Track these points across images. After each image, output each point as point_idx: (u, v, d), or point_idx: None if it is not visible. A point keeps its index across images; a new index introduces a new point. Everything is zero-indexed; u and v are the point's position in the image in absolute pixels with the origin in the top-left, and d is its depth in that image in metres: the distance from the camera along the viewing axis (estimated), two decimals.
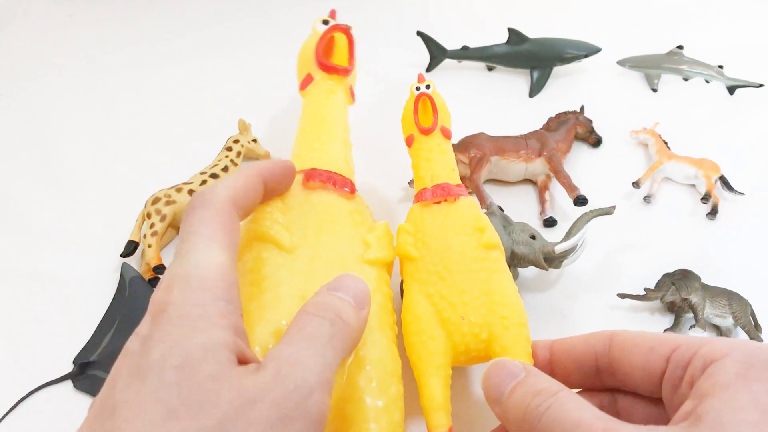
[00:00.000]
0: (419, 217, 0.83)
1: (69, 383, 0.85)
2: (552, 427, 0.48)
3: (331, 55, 0.95)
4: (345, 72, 0.93)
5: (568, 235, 0.90)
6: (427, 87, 0.92)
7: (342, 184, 0.80)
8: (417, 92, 0.92)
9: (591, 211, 0.91)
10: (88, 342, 0.90)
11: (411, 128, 0.91)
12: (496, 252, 0.77)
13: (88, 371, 0.85)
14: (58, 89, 1.40)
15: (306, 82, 0.93)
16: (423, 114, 0.91)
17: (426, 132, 0.89)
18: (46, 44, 1.55)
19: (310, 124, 0.88)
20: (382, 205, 1.11)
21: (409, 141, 0.92)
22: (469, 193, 1.11)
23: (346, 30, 0.94)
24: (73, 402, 0.83)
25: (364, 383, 0.63)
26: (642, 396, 0.58)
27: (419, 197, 0.85)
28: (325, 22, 0.95)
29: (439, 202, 0.83)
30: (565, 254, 0.90)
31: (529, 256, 0.90)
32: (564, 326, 0.91)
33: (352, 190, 0.82)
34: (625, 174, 1.14)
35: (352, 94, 0.98)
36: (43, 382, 0.85)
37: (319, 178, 0.78)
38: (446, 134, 0.90)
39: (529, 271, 0.97)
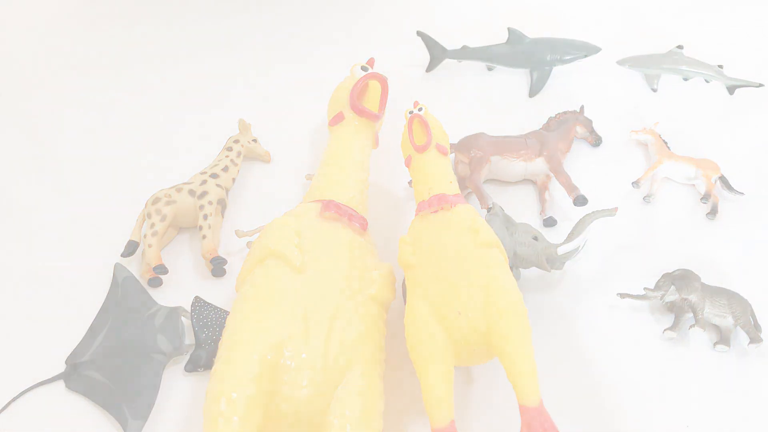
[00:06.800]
0: (418, 228, 0.85)
1: (61, 383, 0.85)
2: None
3: (363, 99, 1.00)
4: (374, 117, 0.99)
5: (571, 236, 0.91)
6: (420, 110, 0.97)
7: (355, 219, 0.85)
8: (410, 115, 0.97)
9: (593, 213, 0.91)
10: (80, 342, 0.89)
11: (408, 149, 0.96)
12: (493, 250, 0.79)
13: (81, 371, 0.85)
14: (58, 89, 1.40)
15: (336, 119, 0.99)
16: (417, 133, 0.95)
17: (421, 150, 0.93)
18: (46, 44, 1.55)
19: (334, 158, 0.94)
20: (383, 203, 1.11)
21: (408, 161, 0.96)
22: (468, 193, 1.11)
23: (382, 80, 1.01)
24: (65, 402, 0.83)
25: (349, 412, 0.66)
26: None
27: (419, 210, 0.89)
28: (364, 69, 1.02)
29: (436, 212, 0.85)
30: (568, 255, 0.90)
31: (532, 257, 0.90)
32: (565, 326, 0.91)
33: (363, 227, 0.86)
34: (625, 174, 1.14)
35: (377, 140, 1.04)
36: (36, 382, 0.85)
37: (336, 210, 0.83)
38: (442, 151, 0.94)
39: (531, 272, 0.97)
